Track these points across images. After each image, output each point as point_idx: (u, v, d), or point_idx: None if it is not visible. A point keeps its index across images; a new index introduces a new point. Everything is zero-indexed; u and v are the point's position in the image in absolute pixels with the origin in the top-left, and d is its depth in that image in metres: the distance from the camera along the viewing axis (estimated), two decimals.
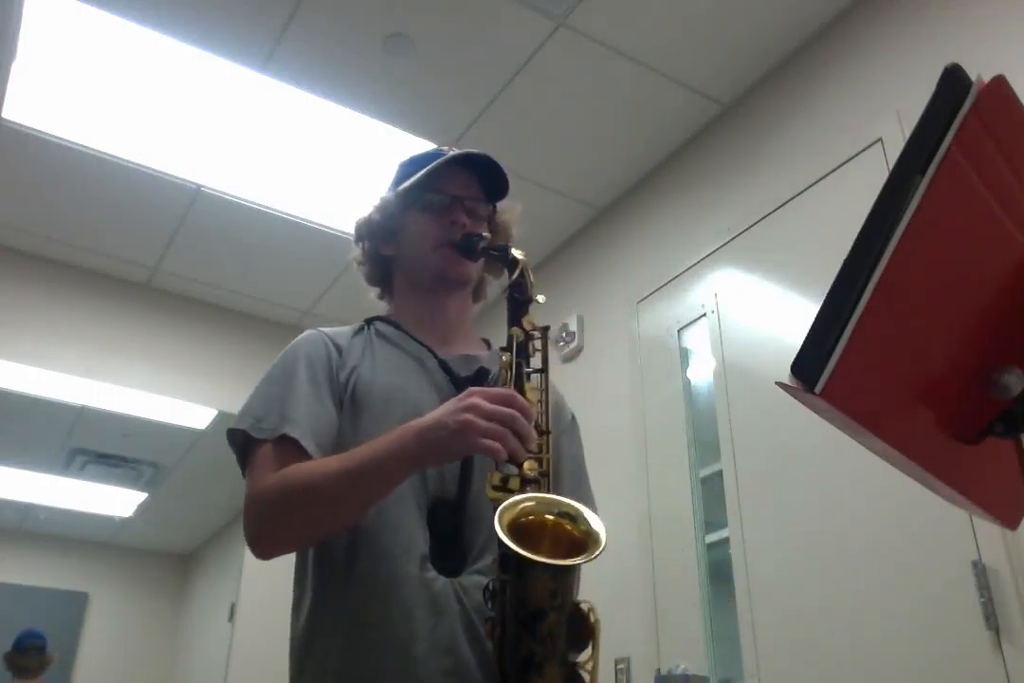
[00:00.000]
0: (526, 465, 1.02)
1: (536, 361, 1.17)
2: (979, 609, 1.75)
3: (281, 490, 1.10)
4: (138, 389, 3.75)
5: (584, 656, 0.96)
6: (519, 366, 1.13)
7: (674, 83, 2.80)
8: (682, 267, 2.82)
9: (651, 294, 2.93)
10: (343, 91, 2.84)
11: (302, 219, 3.42)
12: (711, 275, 2.71)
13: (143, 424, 4.22)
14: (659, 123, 2.96)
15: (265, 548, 1.13)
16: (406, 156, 1.45)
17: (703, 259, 2.74)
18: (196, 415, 4.10)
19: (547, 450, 1.08)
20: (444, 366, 1.27)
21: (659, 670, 2.31)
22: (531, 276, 1.22)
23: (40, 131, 3.02)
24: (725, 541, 2.37)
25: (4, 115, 2.95)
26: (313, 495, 1.08)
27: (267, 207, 3.36)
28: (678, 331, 2.77)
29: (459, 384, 1.23)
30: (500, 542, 0.95)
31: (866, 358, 0.70)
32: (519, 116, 2.91)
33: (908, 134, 0.75)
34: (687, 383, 2.71)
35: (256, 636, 3.65)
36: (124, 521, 5.60)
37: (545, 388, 1.16)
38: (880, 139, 2.23)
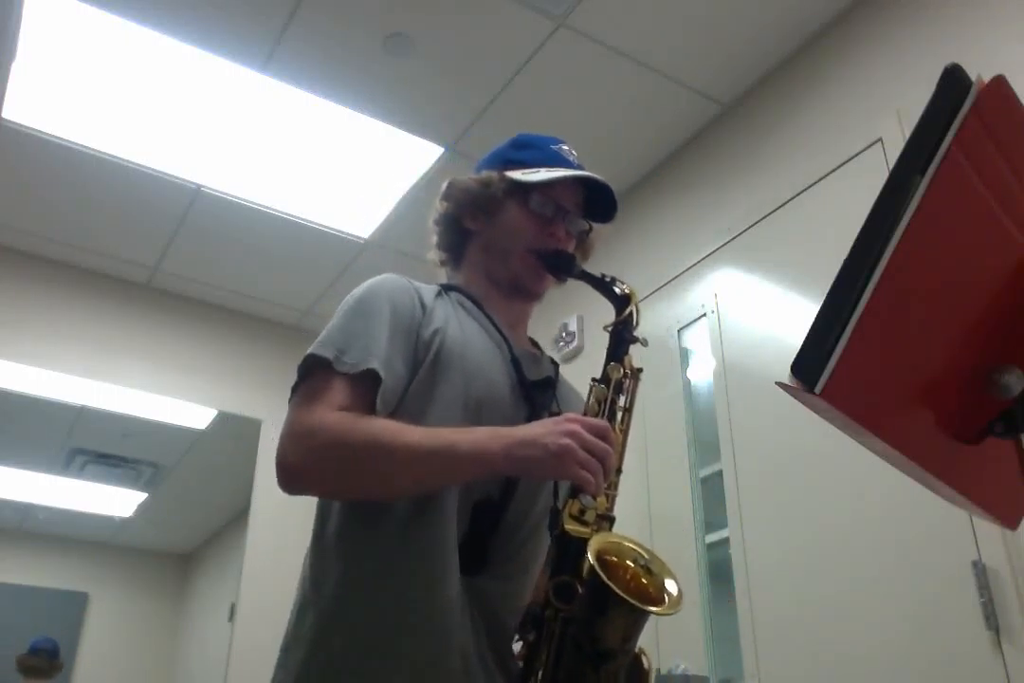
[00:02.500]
0: (599, 500, 1.04)
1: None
2: (979, 609, 1.74)
3: (352, 434, 1.05)
4: (138, 389, 3.75)
5: None
6: (613, 403, 1.14)
7: (674, 83, 2.80)
8: (682, 267, 2.82)
9: (651, 294, 2.93)
10: (343, 91, 2.84)
11: (302, 219, 3.42)
12: (711, 275, 2.70)
13: (143, 424, 4.21)
14: (659, 123, 2.96)
15: (300, 482, 1.08)
16: (521, 135, 1.41)
17: (703, 259, 2.74)
18: (196, 415, 4.10)
19: (616, 488, 1.09)
20: (516, 364, 1.24)
21: (659, 670, 2.31)
22: (639, 313, 1.21)
23: (40, 131, 3.01)
24: (725, 541, 2.37)
25: (4, 115, 2.95)
26: (383, 456, 1.04)
27: (267, 207, 3.36)
28: (678, 331, 2.77)
29: (526, 386, 1.22)
30: (569, 571, 0.98)
31: (866, 358, 0.70)
32: (519, 116, 2.91)
33: (908, 134, 0.75)
34: (687, 383, 2.71)
35: (256, 636, 3.65)
36: (124, 521, 5.60)
37: (626, 429, 1.17)
38: (880, 139, 2.23)
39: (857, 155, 2.29)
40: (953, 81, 0.75)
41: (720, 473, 2.44)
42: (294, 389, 1.14)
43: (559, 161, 1.33)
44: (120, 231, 3.52)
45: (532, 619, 1.01)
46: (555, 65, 2.73)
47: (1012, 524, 0.92)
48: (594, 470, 1.00)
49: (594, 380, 1.16)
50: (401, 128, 2.96)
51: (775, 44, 2.66)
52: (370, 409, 1.09)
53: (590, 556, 0.94)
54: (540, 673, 0.97)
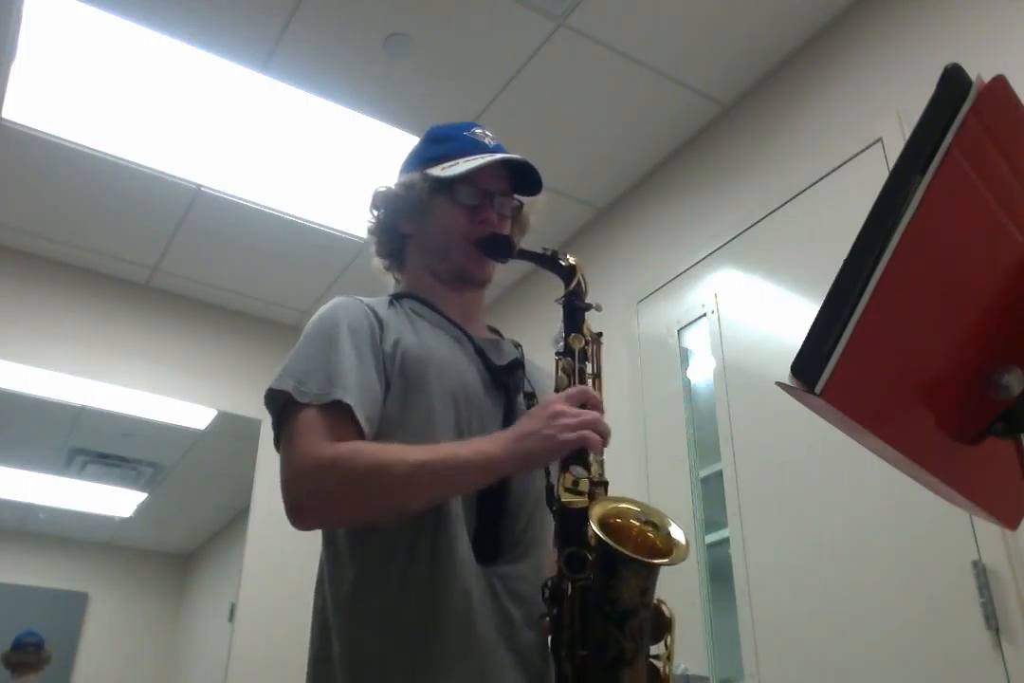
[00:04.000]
0: (591, 468, 1.06)
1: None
2: (979, 609, 1.75)
3: (350, 465, 1.06)
4: (138, 389, 3.75)
5: (659, 648, 1.02)
6: (581, 372, 1.16)
7: (675, 83, 2.80)
8: (682, 267, 2.82)
9: (651, 294, 2.93)
10: (343, 91, 2.84)
11: (302, 219, 3.42)
12: (711, 275, 2.70)
13: (143, 424, 4.21)
14: (659, 123, 2.96)
15: (311, 520, 1.09)
16: (434, 128, 1.42)
17: (703, 259, 2.74)
18: (196, 415, 4.09)
19: (602, 453, 1.10)
20: (480, 352, 1.27)
21: None
22: (586, 281, 1.23)
23: (40, 131, 3.01)
24: (725, 541, 2.37)
25: (4, 115, 2.95)
26: (387, 480, 1.05)
27: (267, 207, 3.36)
28: (678, 331, 2.77)
29: (494, 372, 1.25)
30: (576, 542, 1.00)
31: (866, 358, 0.70)
32: (519, 116, 2.91)
33: (908, 134, 0.75)
34: (687, 383, 2.71)
35: (256, 636, 3.65)
36: (124, 521, 5.60)
37: (599, 393, 1.17)
38: (880, 139, 2.23)
39: (857, 155, 2.29)
40: (953, 81, 0.75)
41: (720, 473, 2.44)
42: (275, 427, 1.15)
43: (475, 147, 1.34)
44: (120, 231, 3.52)
45: (551, 593, 1.03)
46: (555, 65, 2.73)
47: (1012, 524, 0.92)
48: (587, 433, 1.03)
49: (558, 354, 1.18)
50: (401, 128, 2.96)
51: (775, 44, 2.66)
52: (358, 433, 1.11)
53: (592, 523, 0.96)
54: (569, 642, 0.99)
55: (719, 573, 2.39)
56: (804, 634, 2.09)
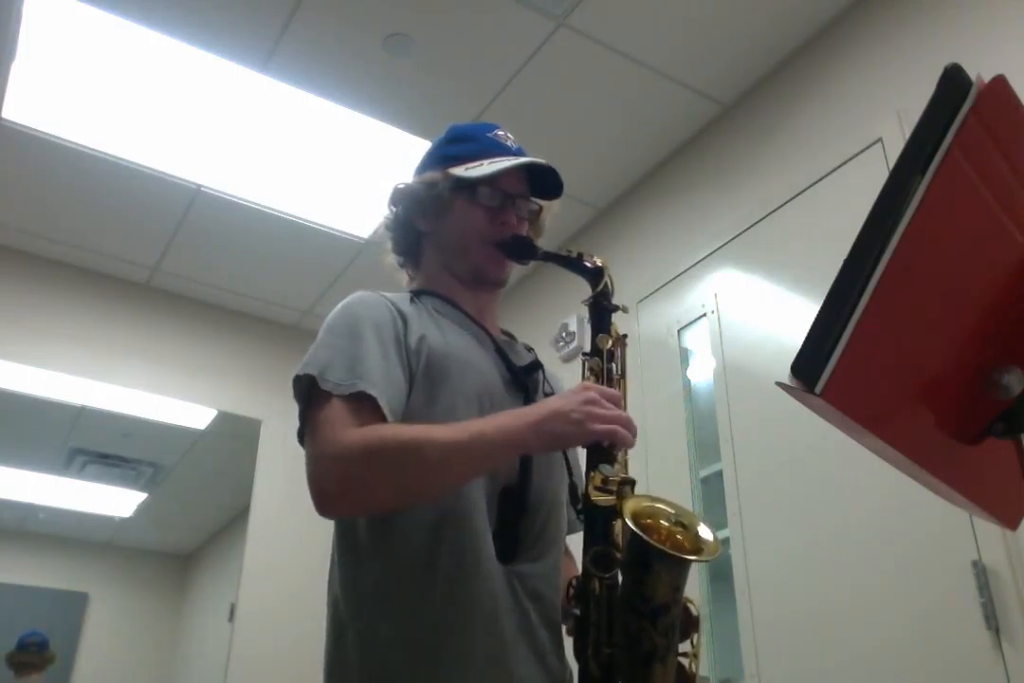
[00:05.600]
0: (616, 466, 1.07)
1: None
2: (979, 609, 1.75)
3: (379, 447, 1.04)
4: (138, 389, 3.75)
5: (685, 646, 1.03)
6: (609, 372, 1.18)
7: (675, 83, 2.80)
8: (682, 267, 2.82)
9: (651, 294, 2.93)
10: (343, 91, 2.84)
11: (302, 219, 3.42)
12: (711, 275, 2.70)
13: (143, 424, 4.21)
14: (659, 123, 2.96)
15: (341, 507, 1.07)
16: (455, 127, 1.42)
17: (703, 259, 2.74)
18: (196, 415, 4.09)
19: (627, 453, 1.12)
20: (500, 352, 1.28)
21: None
22: (613, 282, 1.24)
23: (40, 131, 3.01)
24: (725, 541, 2.36)
25: (4, 115, 2.95)
26: (416, 458, 1.03)
27: (267, 207, 3.36)
28: (678, 331, 2.77)
29: (515, 373, 1.26)
30: (603, 540, 1.01)
31: (866, 358, 0.70)
32: (519, 116, 2.91)
33: (908, 134, 0.75)
34: (687, 383, 2.71)
35: (256, 636, 3.65)
36: (124, 521, 5.60)
37: (624, 395, 1.20)
38: (880, 139, 2.23)
39: (857, 155, 2.29)
40: (953, 81, 0.75)
41: (720, 473, 2.44)
42: (301, 418, 1.14)
43: (498, 149, 1.34)
44: (120, 231, 3.52)
45: (577, 593, 1.03)
46: (555, 65, 2.73)
47: (1012, 524, 0.93)
48: (623, 425, 1.06)
49: (584, 354, 1.20)
50: (401, 128, 2.96)
51: (775, 44, 2.66)
52: (382, 422, 1.10)
53: (627, 519, 0.97)
54: (595, 641, 0.99)
55: (719, 573, 2.38)
56: (804, 634, 2.09)
